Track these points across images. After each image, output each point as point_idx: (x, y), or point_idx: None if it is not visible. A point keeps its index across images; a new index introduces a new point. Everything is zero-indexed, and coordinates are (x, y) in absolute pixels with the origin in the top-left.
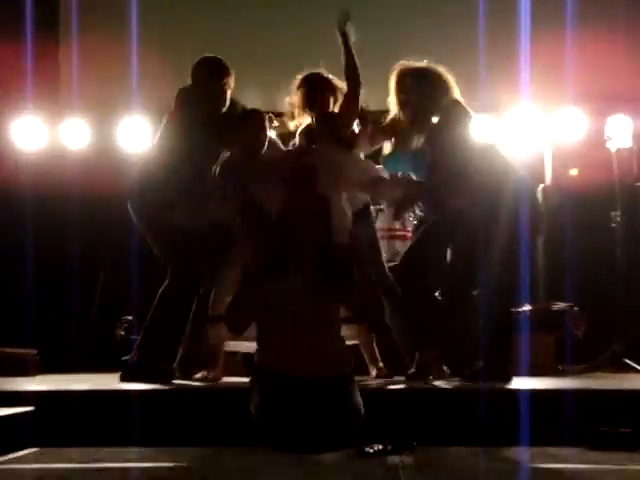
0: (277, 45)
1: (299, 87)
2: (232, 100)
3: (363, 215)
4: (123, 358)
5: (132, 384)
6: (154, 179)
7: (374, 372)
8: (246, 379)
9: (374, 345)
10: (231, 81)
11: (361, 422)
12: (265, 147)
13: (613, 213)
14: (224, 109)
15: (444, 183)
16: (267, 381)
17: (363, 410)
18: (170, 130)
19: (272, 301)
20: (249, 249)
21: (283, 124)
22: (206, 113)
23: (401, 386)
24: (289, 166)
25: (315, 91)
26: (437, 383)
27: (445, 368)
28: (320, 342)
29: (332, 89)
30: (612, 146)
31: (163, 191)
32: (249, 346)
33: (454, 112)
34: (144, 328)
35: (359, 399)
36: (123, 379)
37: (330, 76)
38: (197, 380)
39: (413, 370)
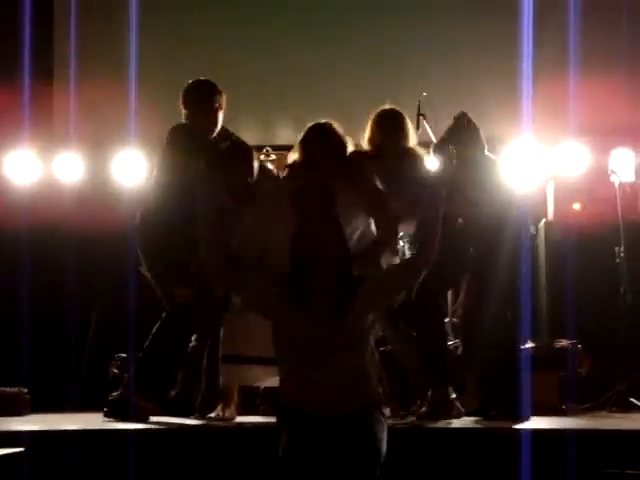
0: (276, 79)
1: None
2: (224, 128)
3: None
4: (110, 396)
5: (115, 422)
6: (157, 215)
7: (386, 410)
8: (259, 417)
9: (387, 383)
10: (222, 100)
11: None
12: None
13: (617, 248)
14: (216, 131)
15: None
16: (290, 420)
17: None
18: (166, 163)
19: (292, 334)
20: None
21: (280, 158)
22: (199, 138)
23: (406, 425)
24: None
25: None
26: (442, 422)
27: (459, 406)
28: (343, 375)
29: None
30: (615, 180)
31: (166, 226)
32: (272, 381)
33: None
34: (135, 365)
35: (383, 437)
36: (105, 416)
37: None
38: (212, 420)
39: (425, 409)
